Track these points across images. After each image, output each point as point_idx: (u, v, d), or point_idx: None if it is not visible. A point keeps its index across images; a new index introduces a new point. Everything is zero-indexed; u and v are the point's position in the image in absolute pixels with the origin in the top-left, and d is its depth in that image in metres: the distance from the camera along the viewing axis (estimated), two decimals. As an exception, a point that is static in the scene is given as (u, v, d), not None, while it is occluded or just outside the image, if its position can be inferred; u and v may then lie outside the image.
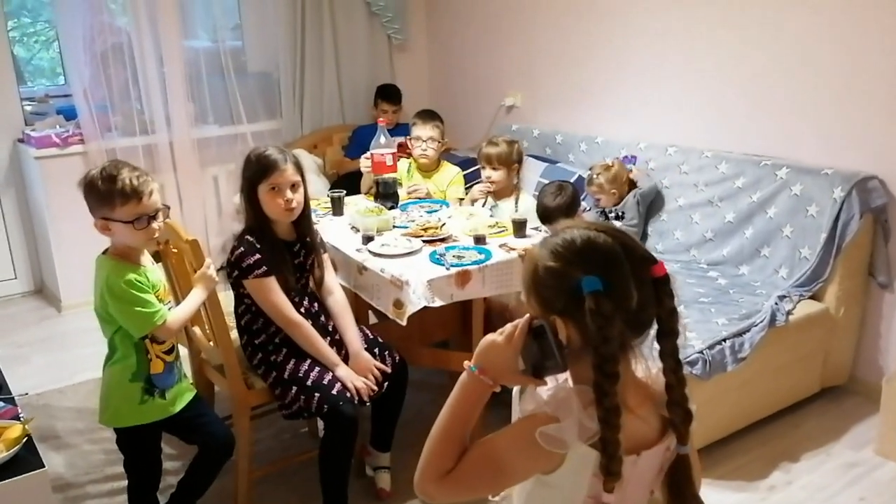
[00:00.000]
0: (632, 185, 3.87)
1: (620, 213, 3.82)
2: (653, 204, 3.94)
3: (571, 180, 3.83)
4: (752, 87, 3.67)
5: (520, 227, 3.03)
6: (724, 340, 2.94)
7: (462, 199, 3.81)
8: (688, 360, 2.77)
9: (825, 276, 3.28)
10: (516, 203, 3.65)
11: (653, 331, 1.27)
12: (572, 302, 1.21)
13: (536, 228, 3.17)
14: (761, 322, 3.06)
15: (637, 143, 4.09)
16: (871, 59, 3.20)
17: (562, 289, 1.23)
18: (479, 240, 2.96)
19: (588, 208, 3.88)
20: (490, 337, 1.32)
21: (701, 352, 2.85)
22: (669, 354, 1.27)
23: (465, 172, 4.06)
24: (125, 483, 2.49)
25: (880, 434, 3.01)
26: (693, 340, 2.87)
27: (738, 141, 3.75)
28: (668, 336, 1.26)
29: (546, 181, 3.90)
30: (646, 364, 1.30)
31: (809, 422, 3.27)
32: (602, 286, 1.19)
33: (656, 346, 1.27)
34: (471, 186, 3.92)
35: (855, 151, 3.31)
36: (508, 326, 1.30)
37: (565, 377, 1.31)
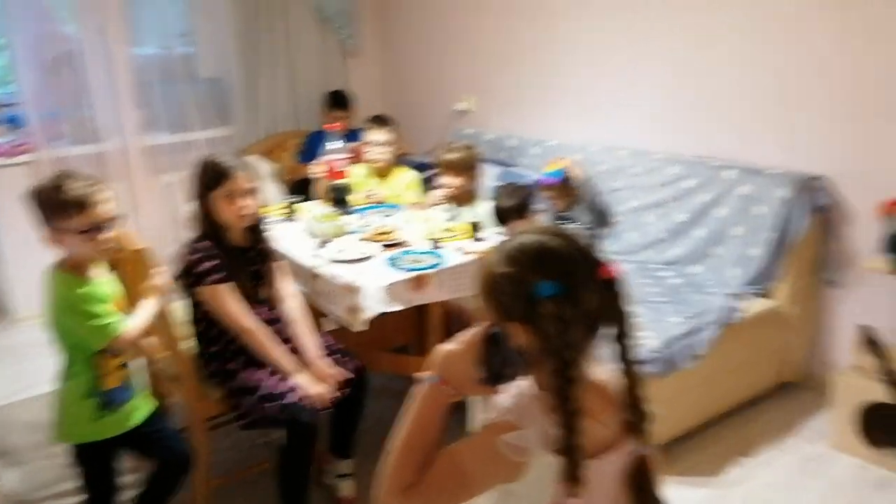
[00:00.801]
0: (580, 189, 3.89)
1: (573, 217, 3.85)
2: (605, 206, 3.97)
3: (525, 183, 3.85)
4: (702, 89, 3.73)
5: (477, 231, 3.04)
6: (680, 339, 2.99)
7: (419, 204, 3.81)
8: (645, 359, 2.80)
9: (776, 275, 3.35)
10: (475, 208, 3.66)
11: (608, 333, 1.28)
12: (529, 307, 1.21)
13: (497, 233, 3.19)
14: (716, 320, 3.11)
15: (589, 145, 4.13)
16: (815, 62, 3.27)
17: (518, 294, 1.22)
18: (436, 244, 2.97)
19: (542, 210, 3.90)
20: (445, 346, 1.31)
21: (658, 351, 2.89)
22: (625, 356, 1.28)
23: (421, 177, 4.06)
24: (81, 499, 2.44)
25: (834, 428, 3.08)
26: (649, 340, 2.91)
27: (688, 143, 3.81)
28: (623, 338, 1.27)
29: (500, 185, 3.91)
30: (603, 367, 1.31)
31: (766, 417, 3.33)
32: (559, 290, 1.19)
33: (612, 348, 1.28)
34: (428, 190, 3.92)
35: (801, 152, 3.38)
36: (464, 334, 1.29)
37: (527, 384, 1.31)
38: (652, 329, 2.98)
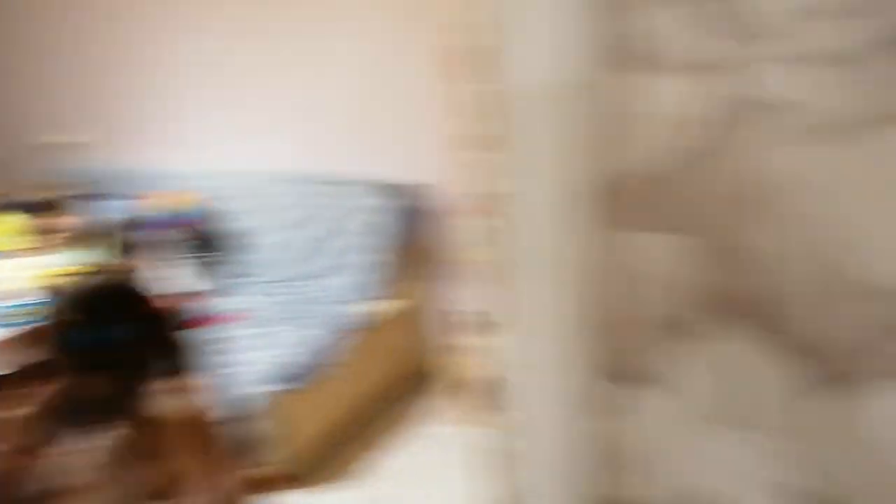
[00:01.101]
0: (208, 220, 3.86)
1: (202, 247, 3.80)
2: (235, 233, 3.99)
3: (149, 218, 3.73)
4: (314, 110, 3.92)
5: (92, 273, 2.88)
6: (318, 350, 3.12)
7: (28, 249, 3.52)
8: (285, 374, 2.89)
9: (399, 278, 3.64)
10: (90, 248, 3.46)
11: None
12: (89, 355, 1.17)
13: (121, 271, 3.04)
14: (350, 327, 3.32)
15: (211, 171, 4.10)
16: (417, 87, 3.61)
17: (76, 343, 1.18)
18: (50, 291, 2.76)
19: (169, 243, 3.80)
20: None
21: (296, 365, 2.98)
22: (188, 385, 1.28)
23: (26, 218, 3.75)
24: None
25: (459, 407, 3.40)
26: (288, 356, 3.00)
27: (312, 162, 3.97)
28: (184, 369, 1.28)
29: (118, 219, 3.74)
30: (180, 400, 1.29)
31: (406, 409, 3.59)
32: (116, 334, 1.17)
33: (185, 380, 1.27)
34: (39, 233, 3.63)
35: (409, 165, 3.71)
36: (26, 394, 1.21)
37: (106, 436, 1.25)
38: (290, 345, 3.08)
